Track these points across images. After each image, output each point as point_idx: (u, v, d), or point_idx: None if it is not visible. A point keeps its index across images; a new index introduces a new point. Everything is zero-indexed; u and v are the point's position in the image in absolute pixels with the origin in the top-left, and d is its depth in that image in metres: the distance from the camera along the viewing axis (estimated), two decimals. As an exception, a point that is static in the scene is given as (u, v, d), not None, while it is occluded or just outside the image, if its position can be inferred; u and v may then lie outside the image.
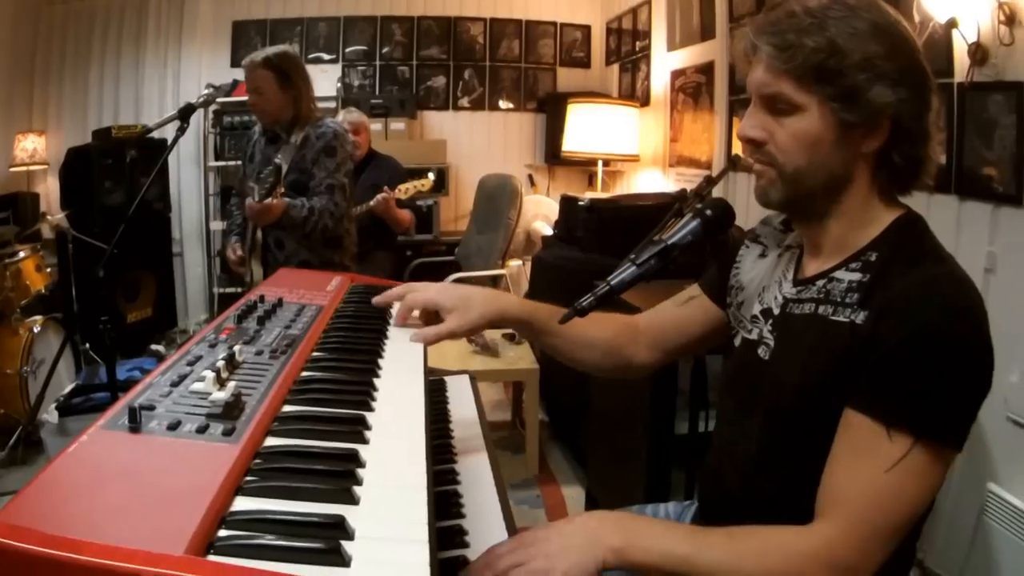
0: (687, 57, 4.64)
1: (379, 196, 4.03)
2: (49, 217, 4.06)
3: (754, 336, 1.25)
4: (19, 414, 3.42)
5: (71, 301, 3.89)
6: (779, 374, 1.17)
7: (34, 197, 5.08)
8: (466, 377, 1.92)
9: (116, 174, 4.71)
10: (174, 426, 0.86)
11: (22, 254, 3.78)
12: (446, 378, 1.91)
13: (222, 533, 0.70)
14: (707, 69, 4.33)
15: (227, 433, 0.85)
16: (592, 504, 3.14)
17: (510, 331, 3.65)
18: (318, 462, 0.84)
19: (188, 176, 5.73)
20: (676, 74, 4.81)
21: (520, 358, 3.53)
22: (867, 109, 1.05)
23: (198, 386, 0.97)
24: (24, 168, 5.16)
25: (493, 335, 3.66)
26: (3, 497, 2.91)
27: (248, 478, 0.79)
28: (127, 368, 3.55)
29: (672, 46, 4.87)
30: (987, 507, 2.27)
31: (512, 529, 1.21)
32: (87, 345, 4.07)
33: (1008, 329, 2.15)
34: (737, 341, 1.31)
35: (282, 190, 2.81)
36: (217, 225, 5.62)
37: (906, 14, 2.52)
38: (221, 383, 0.97)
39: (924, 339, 0.98)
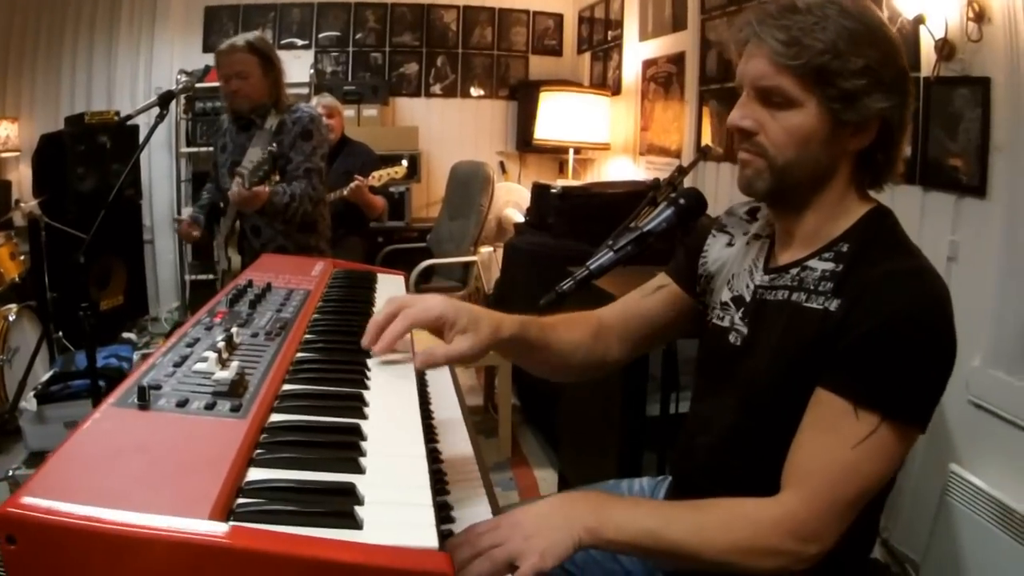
0: (658, 47, 4.70)
1: (353, 184, 4.05)
2: (22, 204, 4.03)
3: (725, 323, 1.30)
4: (-5, 403, 3.41)
5: (44, 289, 3.87)
6: (752, 358, 1.22)
7: (6, 184, 5.01)
8: (444, 361, 1.97)
9: (88, 161, 4.67)
10: (183, 403, 0.90)
11: (-5, 242, 3.76)
12: (425, 362, 1.96)
13: (240, 501, 0.75)
14: (678, 59, 4.40)
15: (234, 409, 0.90)
16: (564, 485, 3.19)
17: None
18: (323, 435, 0.90)
19: (159, 162, 5.68)
20: (647, 64, 4.87)
21: (494, 343, 3.57)
22: (863, 112, 1.10)
23: (201, 366, 1.01)
24: (-4, 155, 5.12)
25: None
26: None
27: (258, 451, 0.84)
28: (103, 356, 3.55)
29: (644, 36, 4.92)
30: (949, 487, 2.33)
31: (495, 506, 1.26)
32: (60, 333, 4.05)
33: (969, 315, 2.22)
34: (708, 327, 1.36)
35: (277, 178, 2.83)
36: (188, 212, 5.58)
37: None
38: (223, 363, 1.02)
39: (895, 326, 1.04)
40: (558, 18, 6.33)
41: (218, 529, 0.67)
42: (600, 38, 5.73)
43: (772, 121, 1.14)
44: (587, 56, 6.01)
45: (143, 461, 0.79)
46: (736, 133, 1.19)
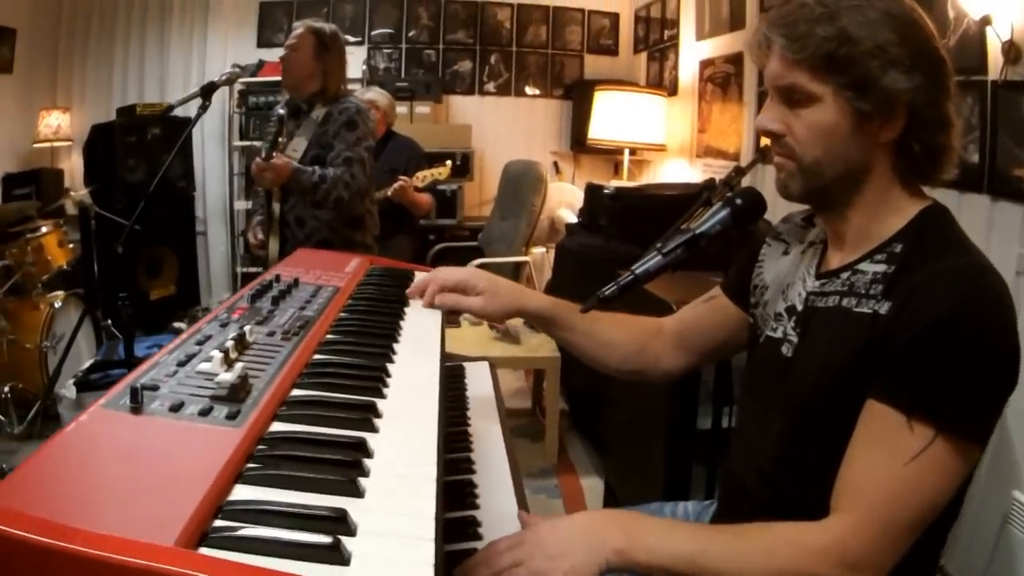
0: (716, 47, 4.58)
1: (396, 184, 4.00)
2: (73, 193, 4.07)
3: (779, 334, 1.23)
4: (38, 389, 3.44)
5: (92, 277, 3.90)
6: (801, 369, 1.15)
7: (58, 173, 5.10)
8: (485, 364, 1.90)
9: (139, 151, 4.74)
10: (176, 407, 0.83)
11: (44, 229, 3.79)
12: (465, 364, 1.89)
13: (217, 523, 0.67)
14: (736, 60, 4.27)
15: (231, 416, 0.82)
16: (610, 496, 3.11)
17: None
18: (324, 450, 0.81)
19: (212, 155, 5.73)
20: (705, 64, 4.74)
21: (541, 345, 3.49)
22: (881, 96, 1.04)
23: (205, 366, 0.94)
24: (48, 144, 5.18)
25: (515, 322, 3.62)
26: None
27: (250, 465, 0.76)
28: (147, 345, 3.55)
29: (701, 36, 4.80)
30: (1012, 515, 2.23)
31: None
32: (109, 321, 4.09)
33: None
34: (761, 339, 1.28)
35: (283, 139, 2.86)
36: (241, 205, 5.63)
37: (940, 11, 2.48)
38: (229, 364, 0.95)
39: (947, 327, 0.96)
40: (614, 17, 6.21)
41: (181, 558, 0.58)
42: (656, 37, 5.61)
43: (796, 120, 1.10)
44: (643, 56, 5.89)
45: (122, 471, 0.72)
46: (765, 136, 1.16)
